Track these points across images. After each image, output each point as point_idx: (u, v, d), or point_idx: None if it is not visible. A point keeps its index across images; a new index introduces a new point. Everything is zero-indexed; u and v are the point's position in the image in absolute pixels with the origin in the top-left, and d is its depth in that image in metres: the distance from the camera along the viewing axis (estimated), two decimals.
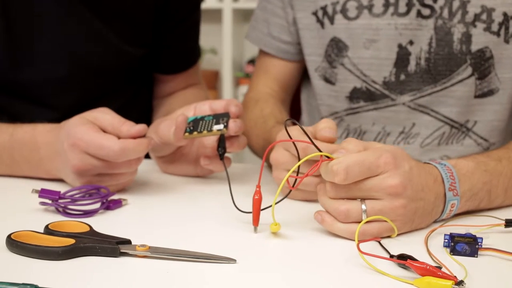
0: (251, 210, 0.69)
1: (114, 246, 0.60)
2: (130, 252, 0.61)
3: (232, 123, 0.82)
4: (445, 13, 0.95)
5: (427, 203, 0.68)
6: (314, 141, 0.68)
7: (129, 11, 1.07)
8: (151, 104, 1.24)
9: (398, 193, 0.65)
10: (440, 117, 1.00)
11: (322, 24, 1.03)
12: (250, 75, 3.39)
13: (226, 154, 0.84)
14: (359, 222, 0.65)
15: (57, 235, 0.63)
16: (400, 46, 0.98)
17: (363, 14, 0.99)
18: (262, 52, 1.15)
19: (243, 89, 3.30)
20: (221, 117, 0.83)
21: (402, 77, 0.99)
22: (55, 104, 1.05)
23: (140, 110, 1.20)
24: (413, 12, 0.96)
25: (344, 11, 1.00)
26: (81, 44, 1.04)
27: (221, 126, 0.82)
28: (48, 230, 0.64)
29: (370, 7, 0.98)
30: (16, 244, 0.60)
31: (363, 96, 1.02)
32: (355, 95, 1.03)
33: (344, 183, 0.65)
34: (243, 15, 3.06)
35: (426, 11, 0.95)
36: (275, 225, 0.66)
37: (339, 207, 0.66)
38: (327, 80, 1.05)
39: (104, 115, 0.79)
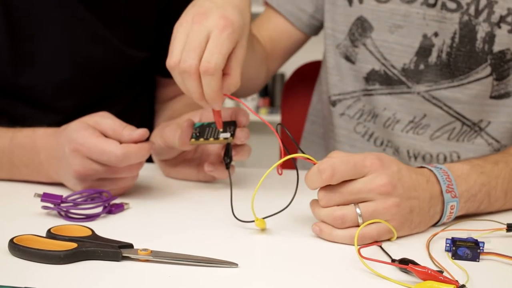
0: (250, 219, 0.69)
1: (116, 250, 0.61)
2: (132, 256, 0.61)
3: (239, 132, 0.82)
4: (472, 10, 0.95)
5: (422, 202, 0.68)
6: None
7: (131, 14, 1.08)
8: (153, 108, 1.24)
9: (389, 192, 0.65)
10: (452, 112, 1.00)
11: (350, 1, 1.02)
12: None
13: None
14: (356, 226, 0.66)
15: (59, 239, 0.63)
16: (425, 36, 0.98)
17: None
18: (272, 10, 1.12)
19: None
20: (228, 125, 0.83)
21: (421, 66, 0.99)
22: (57, 107, 1.05)
23: (142, 114, 1.20)
24: (439, 4, 0.96)
25: None
26: (83, 46, 1.04)
27: (227, 135, 0.81)
28: (50, 234, 0.65)
29: None
30: (18, 248, 0.61)
31: (380, 79, 1.02)
32: (372, 77, 1.03)
33: (331, 181, 0.65)
34: None
35: (451, 5, 0.95)
36: (257, 220, 0.68)
37: (334, 213, 0.66)
38: (348, 59, 1.04)
39: (105, 120, 0.79)
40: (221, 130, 0.81)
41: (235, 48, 0.74)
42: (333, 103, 1.08)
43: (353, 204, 0.66)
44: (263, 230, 0.71)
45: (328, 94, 1.09)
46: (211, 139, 0.82)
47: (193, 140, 0.83)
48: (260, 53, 1.05)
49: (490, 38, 0.95)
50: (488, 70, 0.97)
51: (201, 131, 0.83)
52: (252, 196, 0.67)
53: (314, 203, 0.69)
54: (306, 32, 1.13)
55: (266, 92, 3.53)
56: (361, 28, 1.02)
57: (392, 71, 1.00)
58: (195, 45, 0.71)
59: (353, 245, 0.63)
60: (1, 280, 0.56)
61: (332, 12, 1.05)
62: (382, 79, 1.02)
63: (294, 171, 0.69)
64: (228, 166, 0.82)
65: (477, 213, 0.75)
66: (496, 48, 0.95)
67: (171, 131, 0.85)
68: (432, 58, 0.98)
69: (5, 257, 0.61)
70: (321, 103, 1.16)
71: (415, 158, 1.03)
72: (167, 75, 1.20)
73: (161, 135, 0.87)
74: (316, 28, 1.13)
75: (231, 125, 0.83)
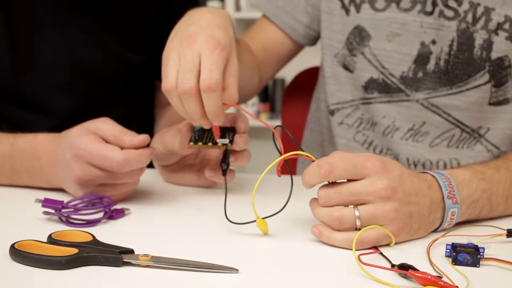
0: (243, 221, 0.70)
1: (117, 256, 0.61)
2: (133, 261, 0.61)
3: (238, 138, 0.82)
4: (469, 17, 0.95)
5: (422, 207, 0.68)
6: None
7: (129, 18, 1.08)
8: (152, 113, 1.24)
9: (389, 196, 0.65)
10: (451, 119, 1.00)
11: (347, 11, 1.03)
12: None
13: (230, 167, 0.84)
14: (354, 229, 0.66)
15: (60, 244, 0.63)
16: (422, 44, 0.98)
17: (391, 7, 0.99)
18: (267, 20, 1.13)
19: None
20: (227, 131, 0.83)
21: (420, 74, 0.99)
22: (55, 111, 1.05)
23: (142, 118, 1.20)
24: (436, 12, 0.97)
25: (372, 2, 1.00)
26: (82, 50, 1.04)
27: (226, 141, 0.82)
28: (51, 240, 0.65)
29: (398, 1, 0.99)
30: (19, 254, 0.61)
31: (379, 87, 1.02)
32: (370, 85, 1.03)
33: (329, 177, 0.66)
34: (245, 25, 3.07)
35: (449, 13, 0.96)
36: (258, 218, 0.69)
37: (333, 214, 0.66)
38: (346, 67, 1.05)
39: (106, 125, 0.80)
40: (217, 141, 0.82)
41: (227, 65, 0.76)
42: (332, 112, 1.09)
43: (352, 206, 0.66)
44: (265, 233, 0.71)
45: (326, 103, 1.10)
46: (210, 144, 0.82)
47: (191, 143, 0.83)
48: (250, 62, 1.05)
49: (488, 45, 0.95)
50: (486, 77, 0.97)
51: (200, 134, 0.84)
52: (252, 195, 0.67)
53: (314, 202, 0.69)
54: (303, 43, 1.13)
55: (266, 98, 3.53)
56: (358, 37, 1.02)
57: (391, 79, 1.01)
58: (190, 67, 0.73)
59: (351, 249, 0.63)
60: (2, 285, 0.56)
61: (329, 22, 1.06)
62: (380, 88, 1.02)
63: (294, 177, 0.69)
64: (225, 172, 0.82)
65: (478, 219, 0.75)
66: (494, 55, 0.96)
67: (171, 136, 0.85)
68: (430, 66, 0.98)
69: (6, 262, 0.61)
70: (319, 111, 1.17)
71: (415, 165, 1.03)
72: None
73: (161, 140, 0.87)
74: (313, 38, 1.13)
75: (230, 131, 0.83)
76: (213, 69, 0.72)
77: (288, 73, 1.34)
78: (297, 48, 1.15)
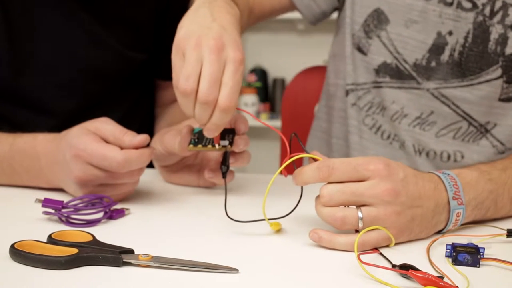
0: (244, 219, 0.71)
1: (116, 256, 0.61)
2: (133, 261, 0.61)
3: (238, 140, 0.81)
4: (487, 10, 0.95)
5: (425, 210, 0.68)
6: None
7: (129, 16, 1.08)
8: (152, 113, 1.24)
9: (391, 199, 0.65)
10: (460, 111, 1.00)
11: None
12: (253, 85, 3.40)
13: (230, 167, 0.84)
14: (356, 230, 0.66)
15: (60, 244, 0.63)
16: (439, 33, 0.98)
17: None
18: None
19: (246, 98, 3.30)
20: (227, 132, 0.83)
21: (433, 64, 1.00)
22: (56, 111, 1.05)
23: (142, 118, 1.20)
24: (455, 3, 0.97)
25: None
26: (82, 49, 1.04)
27: (226, 142, 0.81)
28: (51, 240, 0.65)
29: None
30: (19, 254, 0.61)
31: (391, 72, 1.03)
32: (382, 69, 1.04)
33: (328, 179, 0.66)
34: None
35: (467, 4, 0.96)
36: (271, 225, 0.70)
37: (336, 214, 0.66)
38: (360, 50, 1.05)
39: (106, 125, 0.80)
40: (217, 146, 0.82)
41: None
42: (346, 92, 1.09)
43: (355, 207, 0.66)
44: (278, 231, 0.72)
45: (345, 81, 1.10)
46: (209, 146, 0.82)
47: (191, 146, 0.83)
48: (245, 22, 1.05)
49: (503, 40, 0.95)
50: (499, 72, 0.97)
51: (200, 137, 0.83)
52: (264, 198, 0.68)
53: (318, 199, 0.68)
54: (312, 23, 1.15)
55: (266, 98, 3.53)
56: (377, 20, 1.02)
57: (404, 65, 1.01)
58: (215, 77, 0.70)
59: (353, 251, 0.63)
60: (2, 285, 0.56)
61: (352, 2, 1.07)
62: (393, 73, 1.03)
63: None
64: (224, 175, 0.82)
65: (482, 220, 0.75)
66: (508, 50, 0.96)
67: (171, 137, 0.85)
68: (445, 57, 0.99)
69: (6, 262, 0.61)
70: (326, 96, 1.17)
71: (420, 153, 1.03)
72: (166, 77, 1.21)
73: (161, 141, 0.87)
74: (320, 21, 1.15)
75: (229, 133, 0.83)
76: (235, 91, 0.70)
77: (288, 73, 1.34)
78: (290, 9, 1.16)
